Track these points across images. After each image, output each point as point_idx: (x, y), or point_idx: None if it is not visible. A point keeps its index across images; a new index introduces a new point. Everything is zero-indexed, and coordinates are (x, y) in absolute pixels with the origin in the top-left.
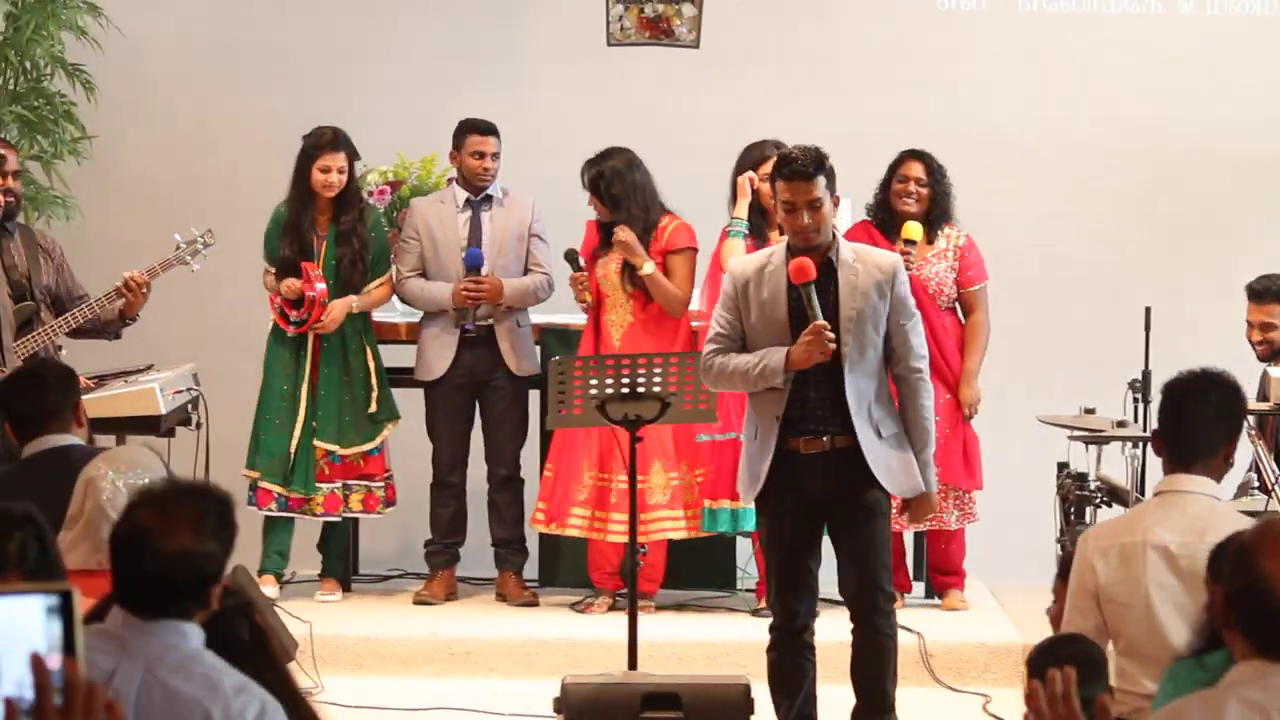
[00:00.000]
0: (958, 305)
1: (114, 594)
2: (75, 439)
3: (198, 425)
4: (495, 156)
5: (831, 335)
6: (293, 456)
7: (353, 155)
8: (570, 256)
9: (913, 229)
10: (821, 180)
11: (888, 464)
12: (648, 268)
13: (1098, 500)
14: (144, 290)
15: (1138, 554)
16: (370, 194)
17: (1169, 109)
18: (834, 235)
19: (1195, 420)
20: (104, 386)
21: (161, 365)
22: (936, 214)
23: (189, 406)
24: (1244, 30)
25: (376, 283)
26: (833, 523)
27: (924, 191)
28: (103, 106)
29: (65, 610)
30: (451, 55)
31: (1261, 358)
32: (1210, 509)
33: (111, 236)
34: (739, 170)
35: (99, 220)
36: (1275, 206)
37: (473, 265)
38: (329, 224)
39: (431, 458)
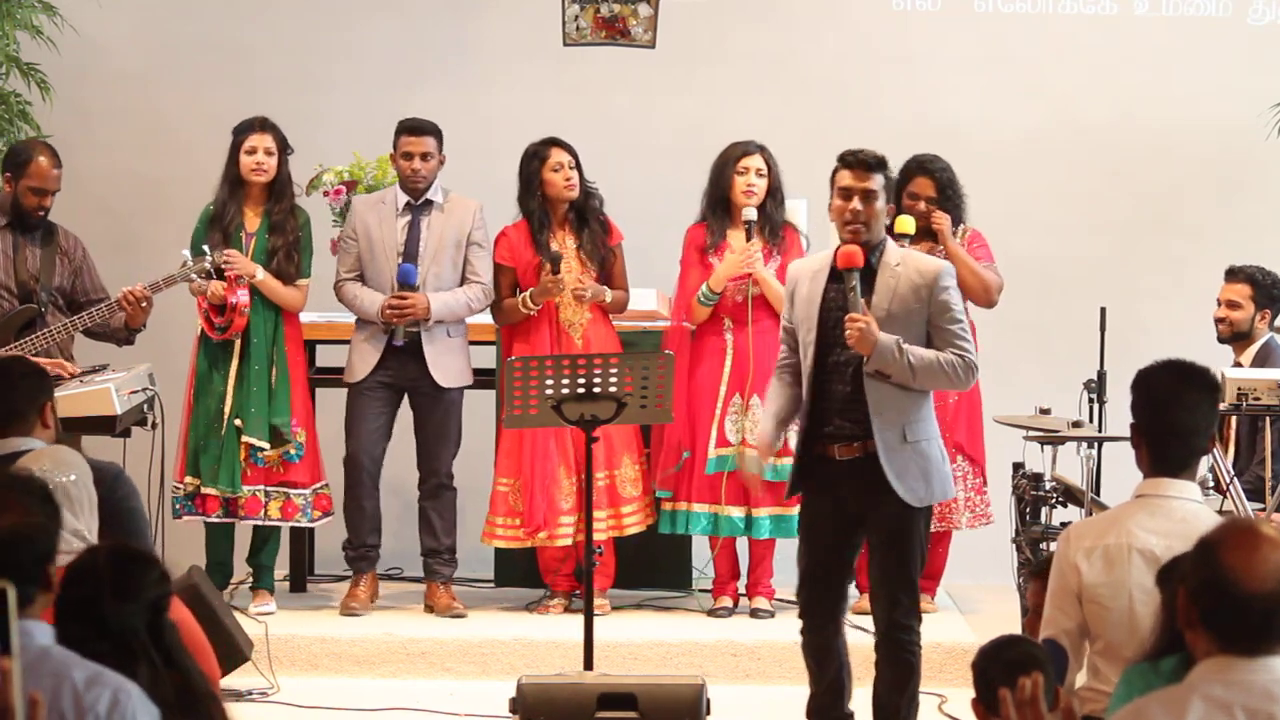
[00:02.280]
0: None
1: None
2: (39, 442)
3: (153, 425)
4: (427, 157)
5: (861, 327)
6: (220, 455)
7: (283, 143)
8: (553, 257)
9: (904, 223)
10: (879, 178)
11: (905, 471)
12: (609, 296)
13: (1053, 500)
14: (144, 304)
15: (1122, 556)
16: (326, 194)
17: (1123, 109)
18: (885, 241)
19: (1190, 431)
20: (59, 386)
21: (117, 365)
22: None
23: (144, 407)
24: (1198, 30)
25: (297, 283)
26: (867, 529)
27: (921, 206)
28: (58, 106)
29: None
30: (408, 55)
31: (1221, 338)
32: (1195, 514)
33: None
34: (719, 168)
35: (56, 219)
36: (1229, 206)
37: (404, 283)
38: (260, 216)
39: (346, 457)
